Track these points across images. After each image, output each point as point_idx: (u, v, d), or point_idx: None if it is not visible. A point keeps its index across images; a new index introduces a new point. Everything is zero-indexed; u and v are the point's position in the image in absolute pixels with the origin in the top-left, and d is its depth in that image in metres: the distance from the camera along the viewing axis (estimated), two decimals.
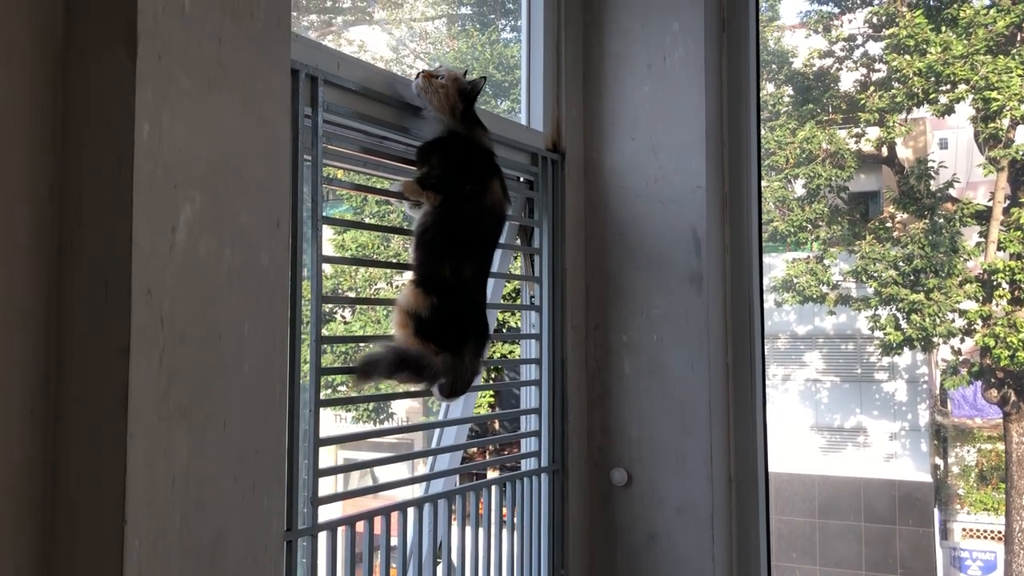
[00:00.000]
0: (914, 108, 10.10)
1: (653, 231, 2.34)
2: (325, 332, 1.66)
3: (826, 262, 10.33)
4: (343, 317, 9.68)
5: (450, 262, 1.78)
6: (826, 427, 11.02)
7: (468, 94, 1.84)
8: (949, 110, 9.68)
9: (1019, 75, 8.99)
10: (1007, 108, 9.11)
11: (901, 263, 9.77)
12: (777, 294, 10.51)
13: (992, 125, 9.35)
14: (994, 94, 9.03)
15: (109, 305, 1.13)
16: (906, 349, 10.01)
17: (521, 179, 2.29)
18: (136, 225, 1.14)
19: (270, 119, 1.37)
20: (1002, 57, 9.15)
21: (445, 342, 1.78)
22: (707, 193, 2.29)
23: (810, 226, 10.48)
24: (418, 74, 1.83)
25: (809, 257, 10.51)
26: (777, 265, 10.64)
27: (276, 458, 1.36)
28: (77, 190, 1.18)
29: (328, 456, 1.61)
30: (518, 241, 2.33)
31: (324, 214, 1.64)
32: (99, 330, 1.14)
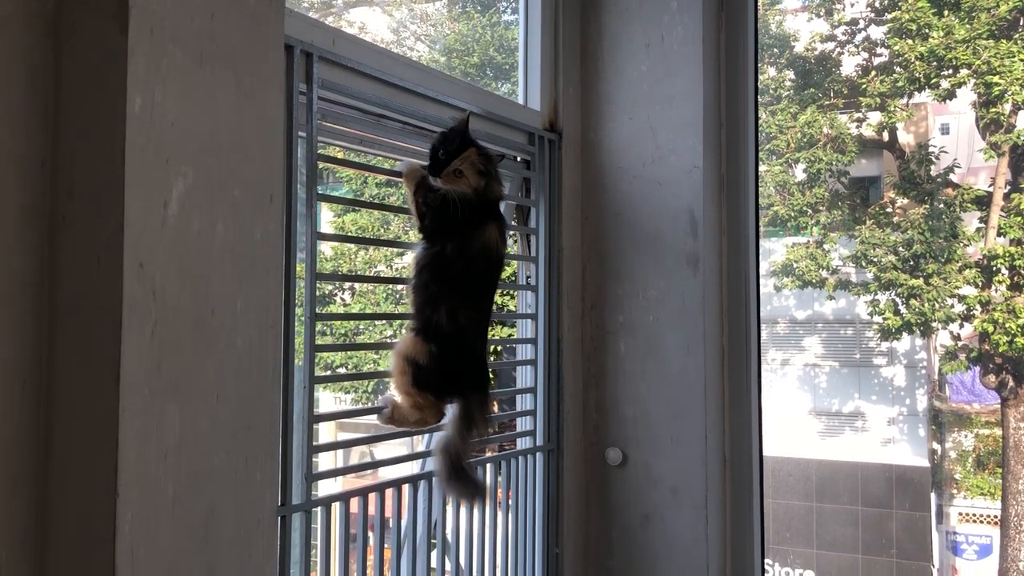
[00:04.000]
0: (916, 93, 10.05)
1: (650, 212, 2.34)
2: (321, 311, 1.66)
3: (826, 247, 10.32)
4: (343, 300, 9.68)
5: (445, 307, 1.73)
6: (824, 412, 11.04)
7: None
8: (951, 95, 9.63)
9: (1021, 60, 8.94)
10: (1009, 93, 9.07)
11: (901, 248, 9.76)
12: (777, 279, 10.50)
13: (993, 110, 9.31)
14: (996, 79, 8.98)
15: (101, 279, 1.14)
16: (905, 334, 10.01)
17: (518, 159, 2.29)
18: (128, 199, 1.14)
19: (263, 94, 1.37)
20: (1004, 42, 9.10)
21: (442, 391, 1.76)
22: (704, 174, 2.28)
23: (810, 211, 10.46)
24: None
25: (809, 242, 10.49)
26: (777, 250, 10.63)
27: (269, 433, 1.36)
28: (69, 164, 1.17)
29: (328, 436, 1.63)
30: (515, 221, 2.32)
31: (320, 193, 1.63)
32: (91, 304, 1.14)
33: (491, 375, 1.88)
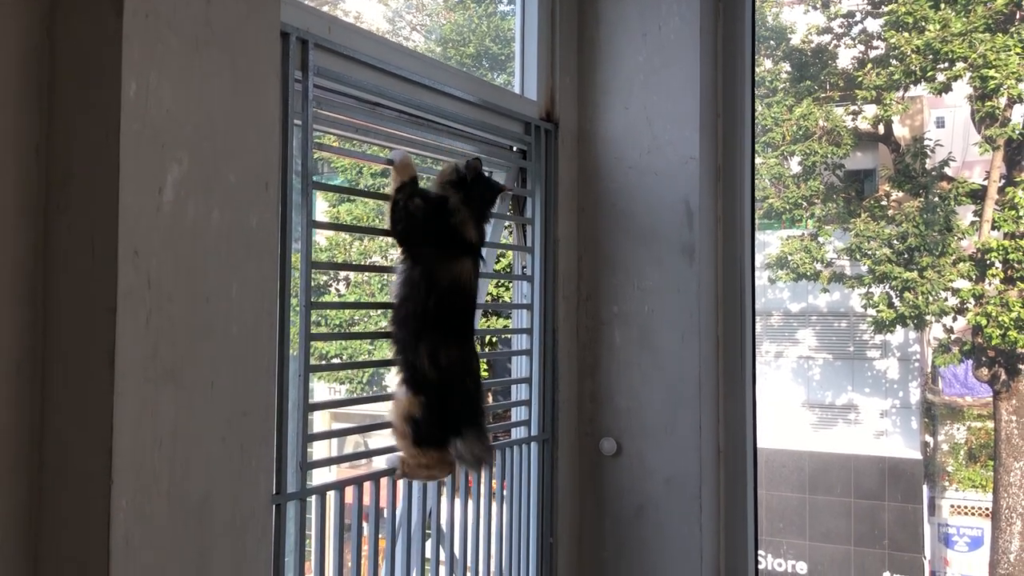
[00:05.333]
0: (911, 86, 10.06)
1: (646, 202, 2.33)
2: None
3: (820, 240, 10.33)
4: (338, 291, 9.67)
5: (425, 347, 1.72)
6: (818, 404, 11.08)
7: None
8: (946, 88, 9.64)
9: (1017, 53, 8.95)
10: (1004, 87, 9.07)
11: (895, 241, 9.78)
12: (771, 271, 10.52)
13: (989, 104, 9.31)
14: (992, 72, 8.99)
15: (95, 265, 1.13)
16: (898, 327, 10.04)
17: (514, 148, 2.28)
18: (123, 185, 1.13)
19: (259, 81, 1.36)
20: (1000, 35, 9.10)
21: (442, 441, 1.76)
22: (700, 165, 2.28)
23: (805, 203, 10.47)
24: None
25: (804, 234, 10.50)
26: (772, 242, 10.64)
27: (264, 421, 1.36)
28: (63, 150, 1.17)
29: (323, 426, 1.62)
30: (510, 211, 2.32)
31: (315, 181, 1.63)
32: (86, 290, 1.14)
33: (483, 413, 1.85)
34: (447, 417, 1.75)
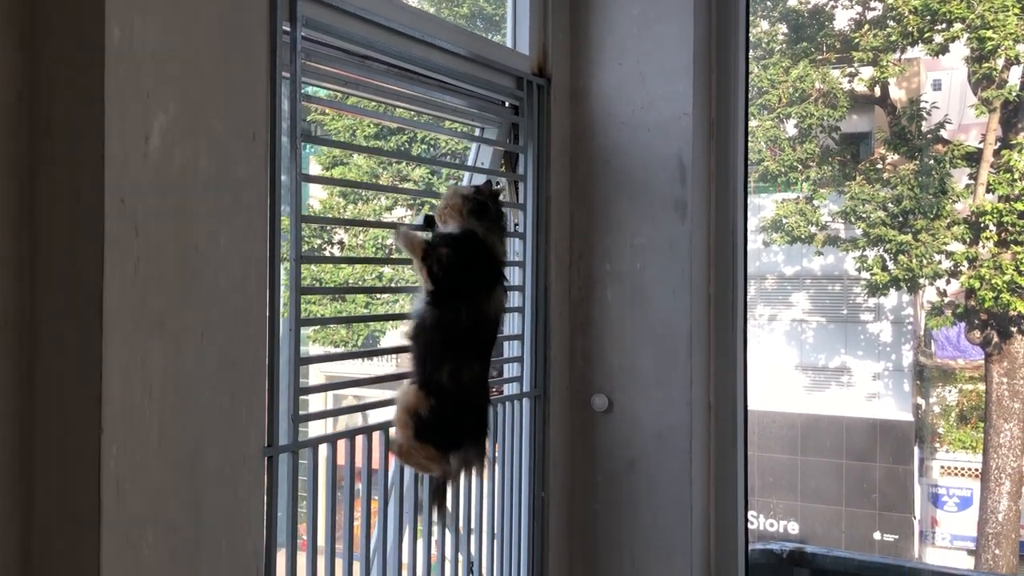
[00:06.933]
0: (908, 47, 9.98)
1: (639, 159, 2.32)
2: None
3: (815, 203, 10.31)
4: (331, 254, 9.65)
5: (449, 366, 1.75)
6: (811, 366, 11.14)
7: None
8: (943, 50, 9.57)
9: (1015, 14, 8.88)
10: (1002, 48, 9.01)
11: (890, 204, 9.77)
12: (766, 234, 10.51)
13: (986, 65, 9.25)
14: (989, 33, 8.92)
15: (82, 214, 1.12)
16: (892, 290, 10.07)
17: (506, 104, 2.26)
18: (108, 132, 1.12)
19: (246, 30, 1.34)
20: None
21: (444, 445, 1.78)
22: (693, 120, 2.26)
23: (801, 166, 10.43)
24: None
25: (799, 197, 10.48)
26: (767, 205, 10.62)
27: (254, 372, 1.36)
28: (47, 96, 1.15)
29: (317, 382, 1.63)
30: (502, 168, 2.31)
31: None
32: (73, 239, 1.13)
33: (488, 427, 1.90)
34: (456, 425, 1.79)
